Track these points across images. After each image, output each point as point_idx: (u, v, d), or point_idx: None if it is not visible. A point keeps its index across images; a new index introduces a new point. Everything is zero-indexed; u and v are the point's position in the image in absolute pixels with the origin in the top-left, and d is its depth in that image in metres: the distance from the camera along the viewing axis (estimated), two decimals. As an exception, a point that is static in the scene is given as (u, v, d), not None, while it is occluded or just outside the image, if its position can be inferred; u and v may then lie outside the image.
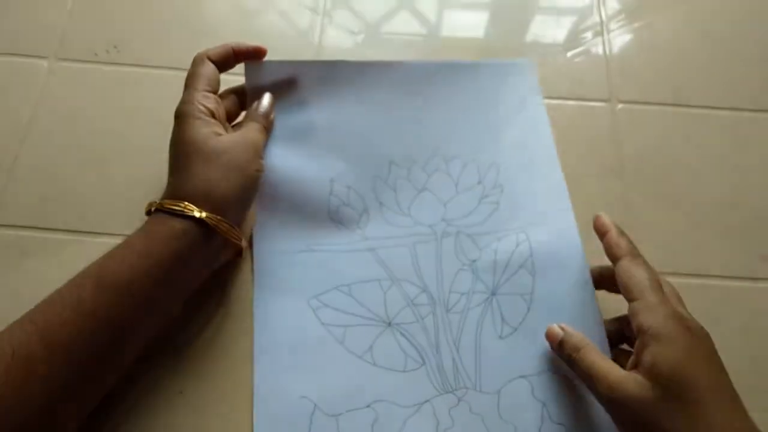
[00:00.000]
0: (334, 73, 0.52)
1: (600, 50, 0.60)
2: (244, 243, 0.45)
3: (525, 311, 0.46)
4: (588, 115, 0.56)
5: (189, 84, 0.45)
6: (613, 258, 0.41)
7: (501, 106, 0.54)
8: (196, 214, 0.39)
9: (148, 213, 0.41)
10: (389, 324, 0.46)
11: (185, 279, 0.41)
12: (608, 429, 0.40)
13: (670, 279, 0.48)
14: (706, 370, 0.35)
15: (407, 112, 0.53)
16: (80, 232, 0.49)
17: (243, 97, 0.49)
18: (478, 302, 0.46)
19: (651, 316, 0.36)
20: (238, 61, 0.48)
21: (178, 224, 0.39)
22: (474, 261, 0.48)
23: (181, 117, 0.43)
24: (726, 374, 0.36)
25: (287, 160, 0.49)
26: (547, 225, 0.49)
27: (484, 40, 0.61)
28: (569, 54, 0.60)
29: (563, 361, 0.41)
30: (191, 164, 0.41)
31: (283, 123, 0.50)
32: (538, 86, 0.56)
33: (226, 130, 0.45)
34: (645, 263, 0.40)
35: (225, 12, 0.61)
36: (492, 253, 0.48)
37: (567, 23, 0.62)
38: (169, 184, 0.42)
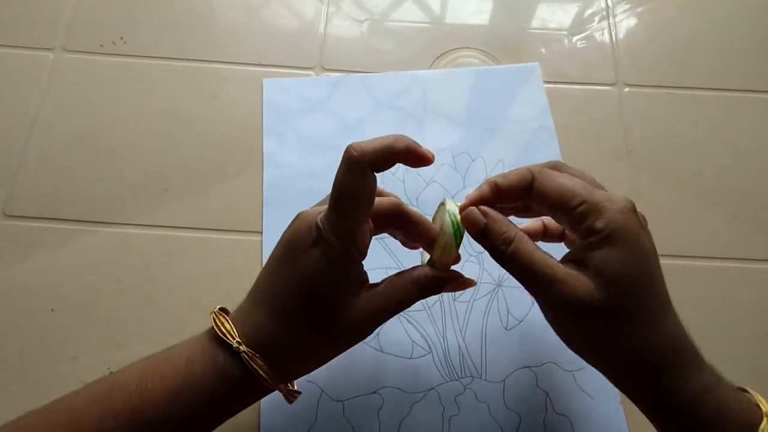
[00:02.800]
0: (346, 83, 0.56)
1: (606, 34, 0.60)
2: (294, 394, 0.36)
3: (530, 304, 0.47)
4: (595, 99, 0.56)
5: (344, 210, 0.33)
6: (525, 184, 0.34)
7: (507, 108, 0.55)
8: (281, 390, 0.34)
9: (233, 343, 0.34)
10: (396, 312, 0.46)
11: (223, 416, 0.35)
12: (612, 421, 0.41)
13: (680, 261, 0.49)
14: (656, 282, 0.32)
15: (416, 114, 0.55)
16: (91, 222, 0.50)
17: (406, 221, 0.37)
18: (484, 293, 0.47)
19: (604, 217, 0.31)
20: (400, 161, 0.34)
21: (248, 384, 0.33)
22: (480, 253, 0.48)
23: (333, 257, 0.33)
24: (665, 287, 0.32)
25: (296, 157, 0.52)
26: None
27: (489, 26, 0.60)
28: (575, 39, 0.60)
29: (490, 253, 0.34)
30: (305, 329, 0.33)
31: (295, 125, 0.53)
32: (542, 88, 0.56)
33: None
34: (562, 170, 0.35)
35: (232, 1, 0.61)
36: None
37: (572, 8, 0.61)
38: (271, 323, 0.33)
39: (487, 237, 0.33)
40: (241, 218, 0.50)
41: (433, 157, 0.35)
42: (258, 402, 0.43)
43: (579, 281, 0.31)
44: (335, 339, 0.34)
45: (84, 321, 0.46)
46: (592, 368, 0.44)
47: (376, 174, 0.33)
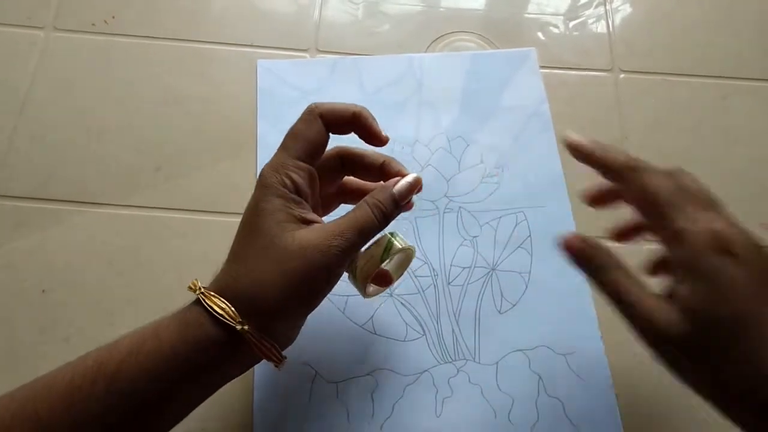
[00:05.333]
0: (341, 66, 0.55)
1: (602, 20, 0.60)
2: (282, 363, 0.35)
3: (523, 288, 0.47)
4: (591, 84, 0.56)
5: (285, 143, 0.36)
6: (618, 170, 0.35)
7: (503, 93, 0.55)
8: (237, 327, 0.32)
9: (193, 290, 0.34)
10: (390, 294, 0.46)
11: (209, 388, 0.35)
12: (603, 403, 0.41)
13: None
14: (753, 303, 0.29)
15: (411, 97, 0.54)
16: (80, 202, 0.49)
17: (352, 160, 0.39)
18: (478, 276, 0.47)
19: (683, 248, 0.30)
20: (354, 131, 0.38)
21: (213, 331, 0.32)
22: (475, 237, 0.48)
23: (260, 187, 0.35)
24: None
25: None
26: (545, 208, 0.50)
27: (486, 11, 0.60)
28: (571, 24, 0.59)
29: (585, 275, 0.35)
30: (251, 256, 0.34)
31: (290, 107, 0.52)
32: (538, 73, 0.56)
33: (317, 209, 0.38)
34: (656, 168, 0.34)
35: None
36: (492, 230, 0.49)
37: (569, -7, 0.61)
38: (225, 268, 0.35)
39: (584, 262, 0.34)
40: (233, 200, 0.50)
41: (387, 139, 0.38)
42: (251, 386, 0.43)
43: (665, 312, 0.30)
44: (287, 267, 0.33)
45: (75, 302, 0.46)
46: (584, 351, 0.45)
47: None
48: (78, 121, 0.52)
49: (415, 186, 0.37)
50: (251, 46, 0.56)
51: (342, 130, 0.37)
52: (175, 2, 0.58)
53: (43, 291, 0.46)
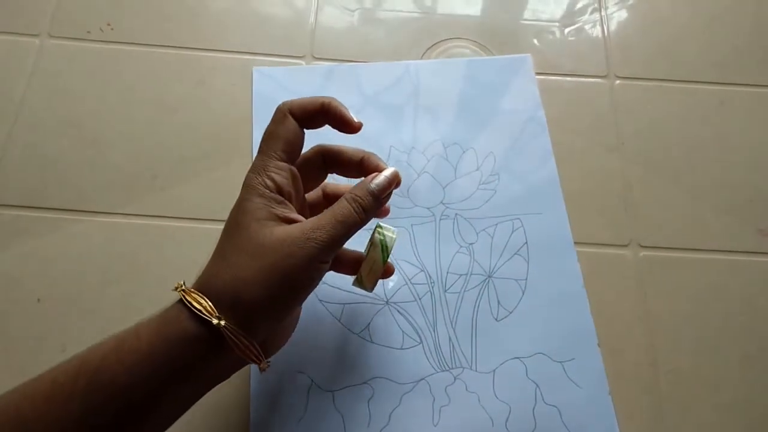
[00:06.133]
0: (337, 73, 0.55)
1: (598, 26, 0.60)
2: (264, 363, 0.35)
3: (520, 295, 0.47)
4: (586, 91, 0.56)
5: (262, 147, 0.37)
6: None
7: (499, 100, 0.55)
8: (214, 321, 0.32)
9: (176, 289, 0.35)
10: (387, 302, 0.46)
11: (194, 389, 0.34)
12: (600, 411, 0.41)
13: (670, 254, 0.50)
14: None
15: (407, 104, 0.54)
16: (76, 210, 0.49)
17: (332, 157, 0.40)
18: (475, 284, 0.47)
19: None
20: (326, 122, 0.38)
21: (192, 328, 0.32)
22: (471, 244, 0.48)
23: (244, 188, 0.36)
24: None
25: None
26: (541, 215, 0.50)
27: (481, 17, 0.60)
28: (567, 30, 0.59)
29: None
30: (232, 253, 0.34)
31: None
32: (534, 79, 0.56)
33: (300, 208, 0.39)
34: None
35: (220, -12, 0.60)
36: (489, 237, 0.49)
37: (564, 0, 0.61)
38: (207, 266, 0.35)
39: None
40: (230, 207, 0.49)
41: (360, 125, 0.38)
42: (248, 396, 0.43)
43: None
44: (265, 262, 0.33)
45: (71, 311, 0.45)
46: (582, 359, 0.45)
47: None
48: (73, 128, 0.52)
49: (393, 180, 0.38)
50: (247, 53, 0.56)
51: (314, 123, 0.38)
52: (171, 10, 0.58)
53: (39, 300, 0.46)
